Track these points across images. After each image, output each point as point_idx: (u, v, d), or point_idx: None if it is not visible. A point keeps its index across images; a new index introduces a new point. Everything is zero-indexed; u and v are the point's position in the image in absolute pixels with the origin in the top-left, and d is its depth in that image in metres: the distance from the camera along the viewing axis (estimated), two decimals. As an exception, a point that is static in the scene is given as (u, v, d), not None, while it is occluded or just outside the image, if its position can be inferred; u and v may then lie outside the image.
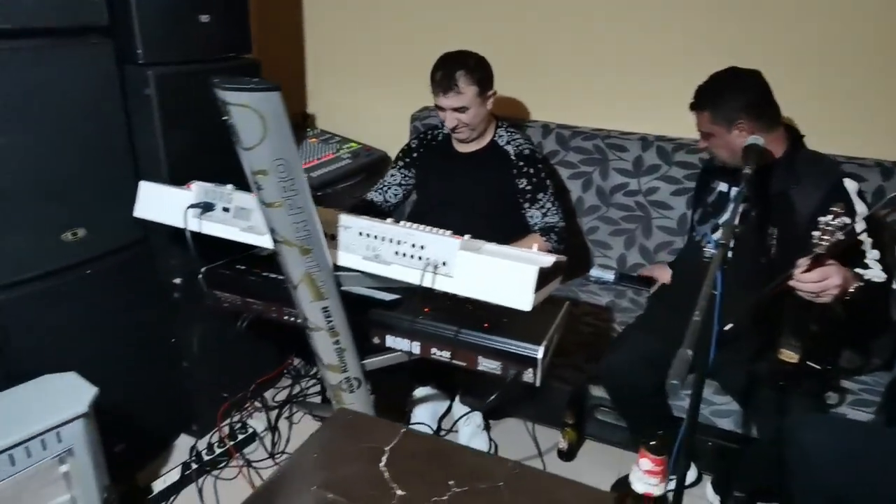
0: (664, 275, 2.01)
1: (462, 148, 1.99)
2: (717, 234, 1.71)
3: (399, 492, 0.91)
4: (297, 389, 2.28)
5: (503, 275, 1.23)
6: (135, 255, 1.76)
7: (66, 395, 1.39)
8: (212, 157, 1.81)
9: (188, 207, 1.47)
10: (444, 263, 1.29)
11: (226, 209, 1.49)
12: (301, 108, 2.87)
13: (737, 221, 1.19)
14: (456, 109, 1.85)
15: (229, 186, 1.55)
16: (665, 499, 0.68)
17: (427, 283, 1.29)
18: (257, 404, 2.16)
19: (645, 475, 0.67)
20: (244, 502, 0.90)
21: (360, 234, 1.36)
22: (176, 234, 1.78)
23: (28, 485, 1.33)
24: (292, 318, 1.67)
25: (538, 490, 0.93)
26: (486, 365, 1.47)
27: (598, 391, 1.88)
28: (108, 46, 1.58)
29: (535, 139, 2.25)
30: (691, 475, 1.85)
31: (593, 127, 2.28)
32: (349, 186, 2.37)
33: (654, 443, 0.67)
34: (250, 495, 0.95)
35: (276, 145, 1.12)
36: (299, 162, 1.18)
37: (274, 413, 2.12)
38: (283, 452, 1.99)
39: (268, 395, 2.23)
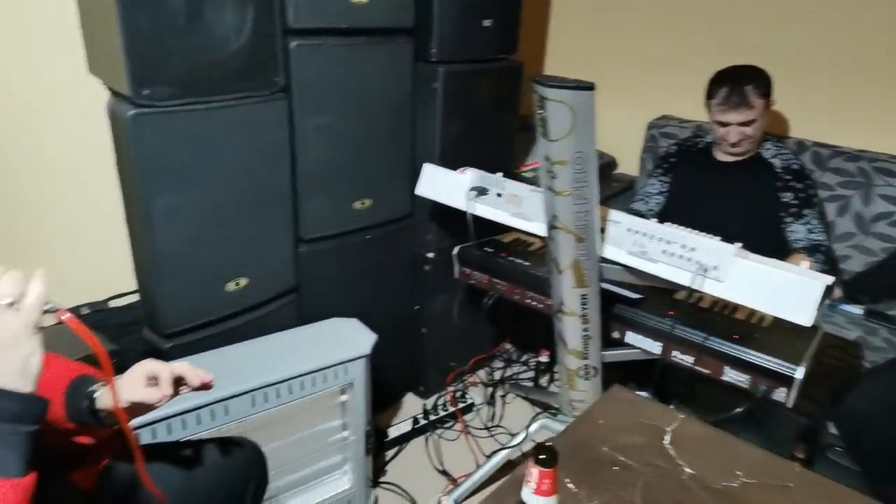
0: None
1: (723, 157, 1.98)
2: None
3: (687, 469, 0.97)
4: (508, 372, 2.43)
5: (784, 287, 1.23)
6: (402, 228, 2.01)
7: (352, 336, 1.63)
8: (474, 146, 2.02)
9: (469, 190, 1.65)
10: (714, 267, 1.32)
11: (499, 194, 1.64)
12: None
13: None
14: (742, 124, 1.85)
15: (499, 174, 1.71)
16: None
17: (696, 286, 1.33)
18: (475, 378, 2.33)
19: None
20: (552, 441, 1.01)
21: (629, 230, 1.43)
22: (434, 213, 2.00)
23: (315, 406, 1.59)
24: (533, 302, 1.80)
25: (831, 497, 0.93)
26: (733, 376, 1.46)
27: (836, 429, 1.76)
28: (409, 45, 1.82)
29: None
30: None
31: (858, 147, 2.12)
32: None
33: None
34: (550, 439, 1.06)
35: (580, 139, 1.23)
36: (595, 157, 1.28)
37: (489, 389, 2.28)
38: (497, 426, 2.14)
39: (482, 372, 2.40)
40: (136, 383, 0.97)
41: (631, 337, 1.61)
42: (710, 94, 1.88)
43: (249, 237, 1.61)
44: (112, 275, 1.75)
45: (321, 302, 1.82)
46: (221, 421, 1.40)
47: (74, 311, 1.71)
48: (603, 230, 1.47)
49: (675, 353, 1.54)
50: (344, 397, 1.63)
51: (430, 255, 2.06)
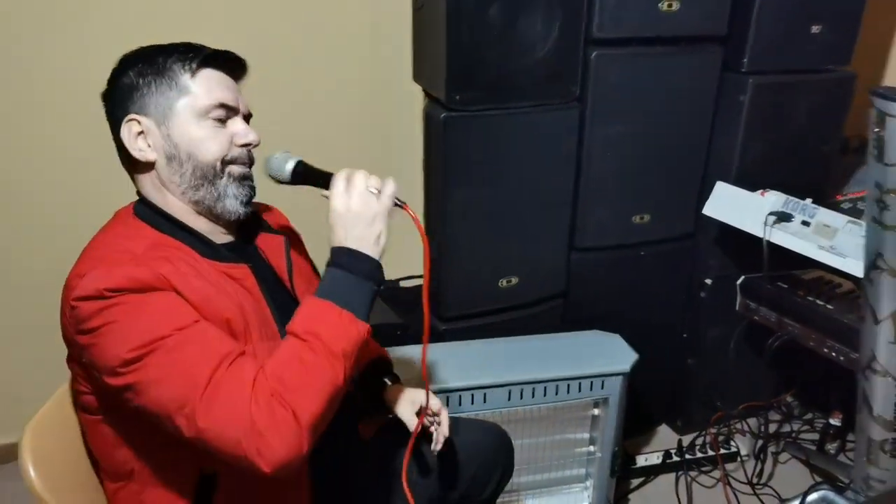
0: None
1: None
2: None
3: None
4: (786, 428, 2.12)
5: None
6: (679, 249, 1.89)
7: (613, 351, 1.60)
8: (779, 167, 1.79)
9: (768, 214, 1.48)
10: None
11: (805, 223, 1.44)
12: (858, 131, 2.56)
13: None
14: None
15: (809, 200, 1.50)
16: None
17: None
18: (743, 426, 2.08)
19: None
20: None
21: None
22: (720, 236, 1.84)
23: (565, 413, 1.60)
24: (833, 353, 1.55)
25: None
26: None
27: None
28: (717, 55, 1.70)
29: None
30: None
31: None
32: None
33: None
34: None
35: (930, 165, 1.01)
36: (950, 188, 1.04)
37: (759, 442, 2.01)
38: (764, 485, 1.88)
39: (753, 421, 2.12)
40: (409, 406, 1.13)
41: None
42: None
43: (527, 238, 1.68)
44: (406, 258, 1.98)
45: (586, 312, 1.81)
46: (479, 407, 1.49)
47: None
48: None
49: None
50: (596, 411, 1.61)
51: (709, 281, 1.89)
